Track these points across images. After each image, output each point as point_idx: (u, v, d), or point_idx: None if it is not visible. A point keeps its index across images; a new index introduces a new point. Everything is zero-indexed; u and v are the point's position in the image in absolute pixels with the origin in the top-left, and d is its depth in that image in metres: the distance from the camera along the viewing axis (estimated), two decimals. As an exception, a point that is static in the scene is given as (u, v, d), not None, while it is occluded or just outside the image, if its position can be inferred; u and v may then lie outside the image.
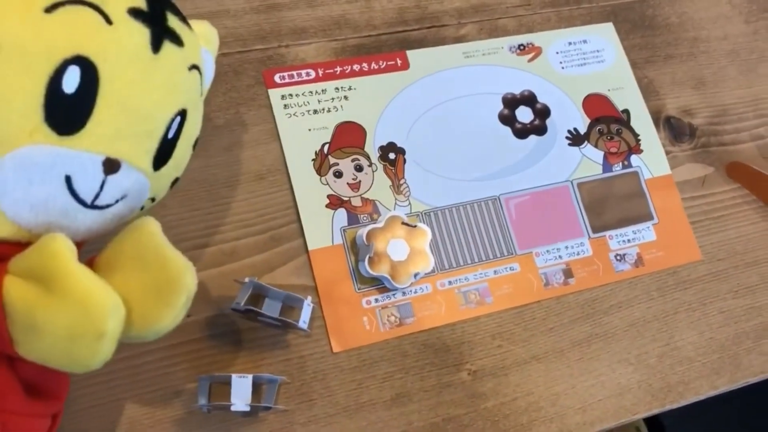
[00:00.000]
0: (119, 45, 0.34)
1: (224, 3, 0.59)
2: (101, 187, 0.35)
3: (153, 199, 0.41)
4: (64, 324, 0.31)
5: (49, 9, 0.32)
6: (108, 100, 0.34)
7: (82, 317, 0.31)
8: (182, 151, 0.41)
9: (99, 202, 0.35)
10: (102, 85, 0.33)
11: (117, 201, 0.37)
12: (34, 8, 0.32)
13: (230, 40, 0.58)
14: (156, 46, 0.36)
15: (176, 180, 0.42)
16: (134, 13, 0.35)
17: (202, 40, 0.45)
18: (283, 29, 0.60)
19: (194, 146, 0.43)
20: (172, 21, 0.38)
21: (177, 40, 0.38)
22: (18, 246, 0.34)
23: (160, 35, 0.37)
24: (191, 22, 0.44)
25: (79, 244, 0.36)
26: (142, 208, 0.41)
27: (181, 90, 0.39)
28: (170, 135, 0.38)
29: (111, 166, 0.35)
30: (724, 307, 0.58)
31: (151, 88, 0.36)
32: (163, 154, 0.38)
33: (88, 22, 0.33)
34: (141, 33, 0.35)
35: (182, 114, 0.39)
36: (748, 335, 0.58)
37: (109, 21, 0.34)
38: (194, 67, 0.40)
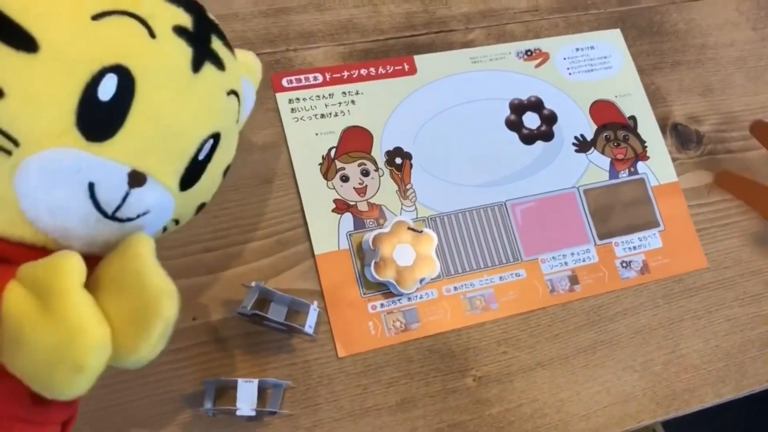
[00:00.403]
0: (160, 59, 0.34)
1: (233, 6, 0.60)
2: (124, 199, 0.34)
3: (177, 222, 0.41)
4: (47, 347, 0.30)
5: (96, 17, 0.33)
6: (141, 113, 0.34)
7: (65, 345, 0.30)
8: (211, 176, 0.40)
9: (120, 214, 0.35)
10: (137, 96, 0.33)
11: (138, 216, 0.36)
12: (82, 14, 0.32)
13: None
14: (196, 66, 0.36)
15: (203, 205, 0.42)
16: (179, 31, 0.35)
17: (244, 69, 0.45)
18: (291, 33, 0.60)
19: (225, 173, 0.43)
20: (216, 44, 0.38)
21: (218, 63, 0.38)
22: (33, 250, 0.34)
23: (202, 56, 0.37)
24: (237, 51, 0.44)
25: (97, 257, 0.36)
26: (165, 230, 0.40)
27: (216, 113, 0.38)
28: (201, 157, 0.38)
29: (136, 178, 0.34)
30: (729, 315, 0.58)
31: (186, 106, 0.36)
32: (191, 175, 0.38)
33: (132, 33, 0.34)
34: (183, 51, 0.36)
35: (215, 137, 0.38)
36: (753, 343, 0.58)
37: (153, 35, 0.34)
38: (233, 92, 0.40)
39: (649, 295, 0.57)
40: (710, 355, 0.57)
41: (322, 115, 0.57)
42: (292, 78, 0.58)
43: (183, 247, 0.51)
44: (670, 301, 0.58)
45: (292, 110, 0.56)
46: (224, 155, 0.41)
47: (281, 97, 0.57)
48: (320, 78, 0.58)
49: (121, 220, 0.35)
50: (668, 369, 0.55)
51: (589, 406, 0.53)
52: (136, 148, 0.34)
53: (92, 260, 0.35)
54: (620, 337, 0.56)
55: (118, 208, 0.35)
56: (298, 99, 0.57)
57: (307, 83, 0.58)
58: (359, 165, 0.56)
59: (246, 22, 0.59)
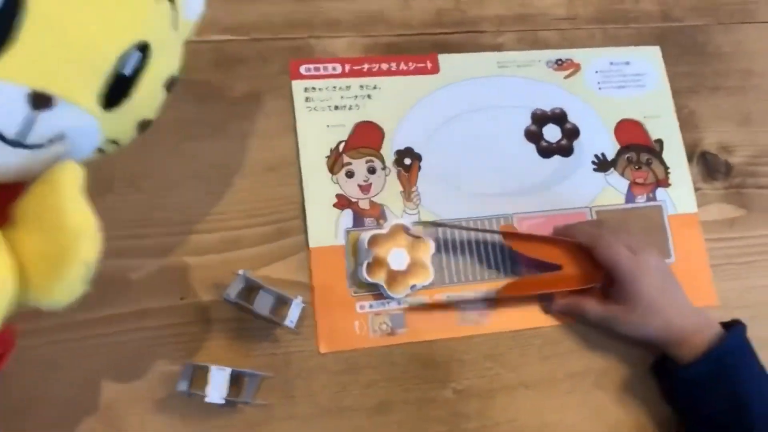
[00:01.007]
0: None
1: (262, -13, 0.59)
2: (28, 124, 0.31)
3: (115, 142, 0.37)
4: None
5: None
6: (37, 25, 0.29)
7: None
8: (147, 91, 0.35)
9: (27, 140, 0.31)
10: (32, 6, 0.29)
11: (52, 141, 0.32)
12: None
13: (262, 26, 0.58)
14: None
15: (146, 122, 0.38)
16: None
17: None
18: (316, 20, 0.59)
19: (170, 87, 0.38)
20: None
21: None
22: None
23: None
24: None
25: (20, 185, 0.33)
26: (102, 152, 0.36)
27: (138, 21, 0.34)
28: (127, 72, 0.33)
29: (40, 101, 0.30)
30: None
31: (95, 15, 0.31)
32: (116, 93, 0.34)
33: None
34: None
35: (143, 48, 0.34)
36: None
37: None
38: None
39: (651, 327, 0.55)
40: (707, 396, 0.55)
41: (336, 107, 0.56)
42: (311, 66, 0.57)
43: (178, 226, 0.51)
44: (671, 336, 0.56)
45: (307, 99, 0.56)
46: (161, 67, 0.36)
47: (297, 85, 0.56)
48: (339, 69, 0.57)
49: (29, 147, 0.32)
50: (660, 401, 0.54)
51: (572, 432, 0.52)
52: (34, 66, 0.30)
53: (18, 187, 0.32)
54: (614, 365, 0.54)
55: (23, 134, 0.31)
56: (314, 88, 0.56)
57: (325, 73, 0.57)
58: (367, 162, 0.55)
59: (273, 4, 0.59)
